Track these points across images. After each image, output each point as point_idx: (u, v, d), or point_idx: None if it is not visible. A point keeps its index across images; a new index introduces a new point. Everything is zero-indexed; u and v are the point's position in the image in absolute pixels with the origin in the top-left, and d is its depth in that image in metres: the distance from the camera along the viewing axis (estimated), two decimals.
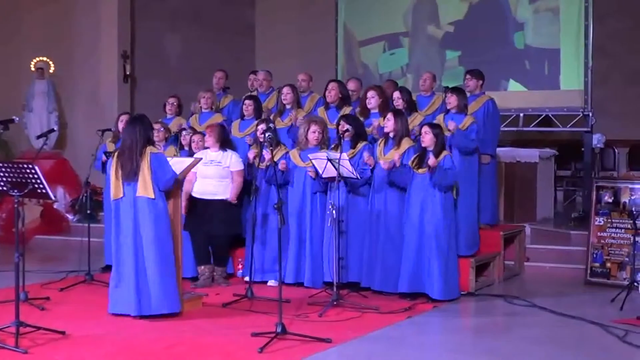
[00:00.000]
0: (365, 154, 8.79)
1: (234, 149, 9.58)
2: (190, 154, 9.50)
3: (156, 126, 9.73)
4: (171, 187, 7.76)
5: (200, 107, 10.79)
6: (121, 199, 7.65)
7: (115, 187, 7.68)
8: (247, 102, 10.30)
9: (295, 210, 9.19)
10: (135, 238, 7.59)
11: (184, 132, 9.98)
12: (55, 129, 13.09)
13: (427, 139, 8.46)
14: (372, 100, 9.53)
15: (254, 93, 11.13)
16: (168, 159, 8.23)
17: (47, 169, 13.06)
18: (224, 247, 9.45)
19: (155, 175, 7.58)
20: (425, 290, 8.45)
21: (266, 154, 9.09)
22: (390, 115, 8.80)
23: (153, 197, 7.57)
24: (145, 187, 7.56)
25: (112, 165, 7.75)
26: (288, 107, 10.17)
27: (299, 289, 9.04)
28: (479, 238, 9.49)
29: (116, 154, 7.81)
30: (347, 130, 8.79)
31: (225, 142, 9.44)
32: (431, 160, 8.35)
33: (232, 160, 9.31)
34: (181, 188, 8.41)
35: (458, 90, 9.58)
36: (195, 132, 9.90)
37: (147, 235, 7.59)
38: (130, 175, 7.59)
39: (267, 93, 11.03)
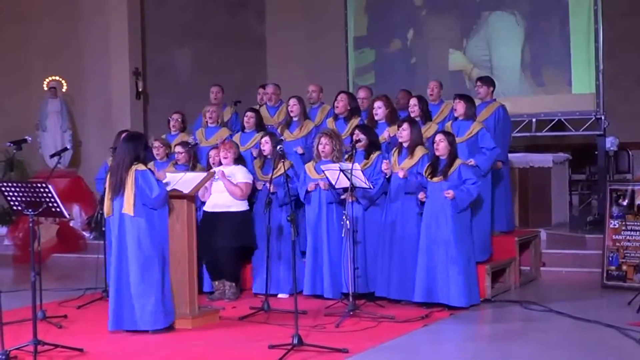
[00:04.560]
0: (384, 162, 8.81)
1: (245, 164, 9.55)
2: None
3: (156, 143, 9.79)
4: (160, 204, 7.71)
5: (206, 121, 10.81)
6: (111, 216, 7.72)
7: (107, 205, 7.77)
8: (248, 114, 10.32)
9: (311, 222, 9.20)
10: (119, 254, 7.65)
11: (176, 149, 9.95)
12: (69, 147, 13.19)
13: (442, 147, 8.47)
14: (380, 110, 9.54)
15: (262, 106, 11.16)
16: (181, 174, 8.28)
17: (62, 187, 13.11)
18: (232, 260, 9.37)
19: (140, 192, 7.59)
20: (441, 299, 8.42)
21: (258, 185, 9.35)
22: (406, 125, 8.82)
23: (132, 214, 7.59)
24: (128, 204, 7.59)
25: (107, 183, 7.83)
26: (295, 119, 10.20)
27: (315, 300, 9.03)
28: (490, 244, 9.48)
29: (109, 171, 7.88)
30: (359, 140, 8.82)
31: (239, 159, 9.47)
32: (448, 194, 8.34)
33: (237, 173, 9.28)
34: (196, 203, 8.44)
35: (465, 98, 9.57)
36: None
37: (130, 252, 7.64)
38: (116, 191, 7.64)
39: (276, 106, 11.05)
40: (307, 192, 9.20)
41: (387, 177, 8.85)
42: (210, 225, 9.27)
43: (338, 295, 8.99)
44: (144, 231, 7.64)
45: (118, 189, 7.61)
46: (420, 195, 8.50)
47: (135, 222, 7.61)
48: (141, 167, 7.67)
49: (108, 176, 7.83)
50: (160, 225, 7.77)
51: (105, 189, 7.92)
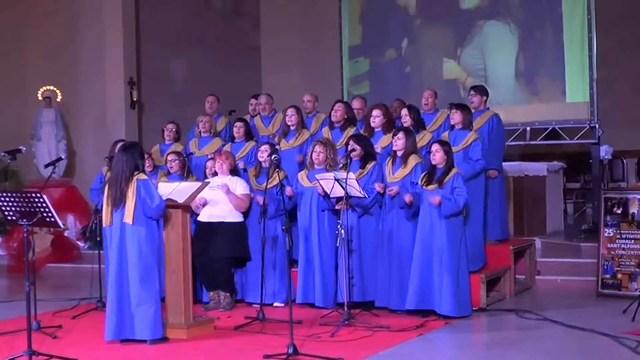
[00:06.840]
0: (377, 185, 8.81)
1: (240, 175, 9.57)
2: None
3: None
4: (159, 214, 7.72)
5: (199, 131, 10.82)
6: (110, 226, 7.70)
7: (105, 214, 7.75)
8: (237, 124, 10.35)
9: (303, 231, 9.20)
10: (120, 264, 7.62)
11: (169, 158, 9.95)
12: (63, 157, 13.19)
13: (438, 157, 8.49)
14: (377, 119, 9.56)
15: (256, 116, 11.15)
16: (175, 183, 8.27)
17: (56, 197, 13.14)
18: (226, 271, 9.36)
19: (142, 201, 7.57)
20: (434, 307, 8.44)
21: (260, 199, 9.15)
22: (401, 134, 8.83)
23: (132, 222, 7.57)
24: (129, 214, 7.58)
25: (105, 193, 7.82)
26: (292, 128, 10.21)
27: (310, 309, 9.01)
28: (484, 253, 9.48)
29: (108, 182, 7.88)
30: (353, 149, 8.83)
31: (234, 170, 9.48)
32: (434, 200, 8.37)
33: (237, 185, 9.30)
34: (190, 213, 8.44)
35: (462, 107, 9.60)
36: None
37: (130, 261, 7.61)
38: (117, 202, 7.63)
39: (270, 116, 11.05)
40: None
41: (380, 194, 8.86)
42: (205, 236, 9.24)
43: (329, 304, 8.99)
44: (144, 240, 7.62)
45: (119, 202, 7.60)
46: (407, 198, 8.48)
47: (136, 230, 7.59)
48: (142, 176, 7.69)
49: (107, 187, 7.81)
50: (159, 235, 7.79)
51: (103, 198, 7.90)
